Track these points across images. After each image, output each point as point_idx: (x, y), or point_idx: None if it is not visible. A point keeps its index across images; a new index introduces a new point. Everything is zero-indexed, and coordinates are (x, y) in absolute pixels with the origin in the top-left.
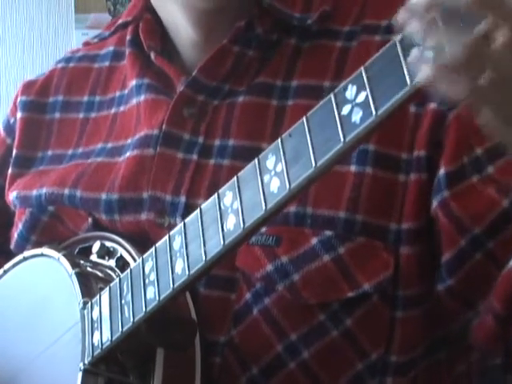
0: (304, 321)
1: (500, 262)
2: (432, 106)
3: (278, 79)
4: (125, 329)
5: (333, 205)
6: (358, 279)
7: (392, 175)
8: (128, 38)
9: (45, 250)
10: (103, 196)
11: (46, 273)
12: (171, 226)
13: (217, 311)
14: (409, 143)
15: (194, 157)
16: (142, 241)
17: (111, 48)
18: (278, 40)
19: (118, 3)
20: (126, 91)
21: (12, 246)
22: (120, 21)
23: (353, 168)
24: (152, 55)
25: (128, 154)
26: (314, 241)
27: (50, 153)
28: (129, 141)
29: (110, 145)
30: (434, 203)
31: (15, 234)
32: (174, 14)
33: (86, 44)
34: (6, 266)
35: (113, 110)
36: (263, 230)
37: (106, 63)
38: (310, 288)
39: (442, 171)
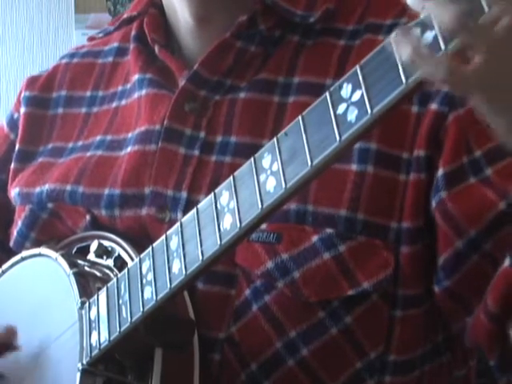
0: (304, 318)
1: (496, 263)
2: (433, 106)
3: (279, 76)
4: (123, 329)
5: (334, 203)
6: (358, 278)
7: (393, 174)
8: (133, 33)
9: (42, 249)
10: (106, 191)
11: (43, 273)
12: (172, 222)
13: (216, 307)
14: (410, 143)
15: (196, 152)
16: (141, 238)
17: (115, 44)
18: (281, 37)
19: (118, 3)
20: (129, 86)
21: (11, 244)
22: (125, 15)
23: (354, 166)
24: (156, 49)
25: (129, 148)
26: (315, 238)
27: (50, 146)
28: (129, 135)
29: (109, 137)
30: (433, 204)
31: (14, 232)
32: (173, 1)
33: (91, 39)
34: (4, 266)
35: (114, 104)
36: (264, 226)
37: (110, 59)
38: (310, 285)
39: (440, 172)
